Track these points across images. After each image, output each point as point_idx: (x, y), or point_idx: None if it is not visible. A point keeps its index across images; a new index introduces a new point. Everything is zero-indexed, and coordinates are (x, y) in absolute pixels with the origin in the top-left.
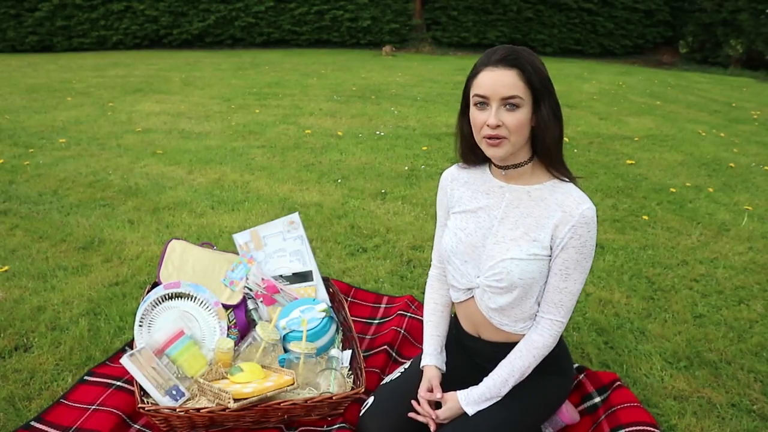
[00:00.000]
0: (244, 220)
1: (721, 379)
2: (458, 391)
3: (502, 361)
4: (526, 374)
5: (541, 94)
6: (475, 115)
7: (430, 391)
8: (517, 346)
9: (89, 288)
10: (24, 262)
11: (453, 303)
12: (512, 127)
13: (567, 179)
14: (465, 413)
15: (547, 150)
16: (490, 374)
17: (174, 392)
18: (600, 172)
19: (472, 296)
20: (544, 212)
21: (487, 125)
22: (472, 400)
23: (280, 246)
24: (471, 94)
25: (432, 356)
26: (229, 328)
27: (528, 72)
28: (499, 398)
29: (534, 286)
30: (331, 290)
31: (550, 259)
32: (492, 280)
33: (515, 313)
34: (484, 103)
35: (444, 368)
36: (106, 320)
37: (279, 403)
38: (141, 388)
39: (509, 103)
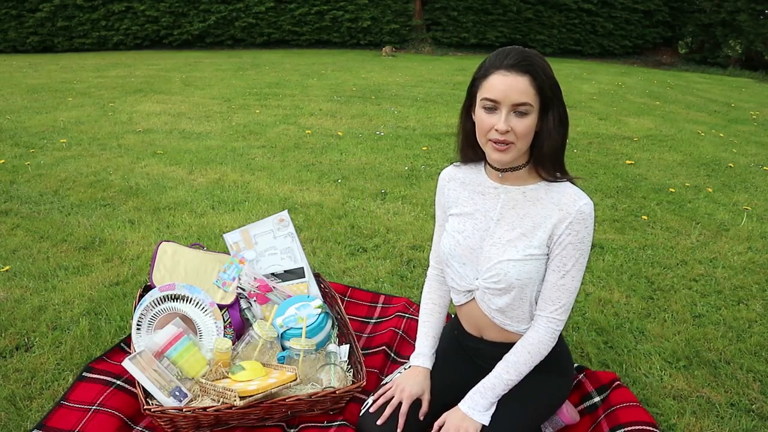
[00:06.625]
0: (245, 220)
1: (720, 379)
2: (459, 405)
3: (500, 362)
4: (524, 372)
5: (551, 101)
6: (483, 118)
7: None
8: (514, 345)
9: (90, 288)
10: (25, 261)
11: (454, 305)
12: (520, 134)
13: (563, 180)
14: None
15: (543, 156)
16: (488, 375)
17: (177, 393)
18: (599, 173)
19: (473, 298)
20: (540, 212)
21: (496, 130)
22: (475, 405)
23: (271, 244)
24: (479, 96)
25: (425, 357)
26: (225, 328)
27: (540, 79)
28: (497, 398)
29: (530, 285)
30: (322, 285)
31: (548, 258)
32: (490, 282)
33: (517, 314)
34: (493, 107)
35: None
36: (106, 320)
37: (284, 399)
38: (144, 390)
39: (519, 110)
